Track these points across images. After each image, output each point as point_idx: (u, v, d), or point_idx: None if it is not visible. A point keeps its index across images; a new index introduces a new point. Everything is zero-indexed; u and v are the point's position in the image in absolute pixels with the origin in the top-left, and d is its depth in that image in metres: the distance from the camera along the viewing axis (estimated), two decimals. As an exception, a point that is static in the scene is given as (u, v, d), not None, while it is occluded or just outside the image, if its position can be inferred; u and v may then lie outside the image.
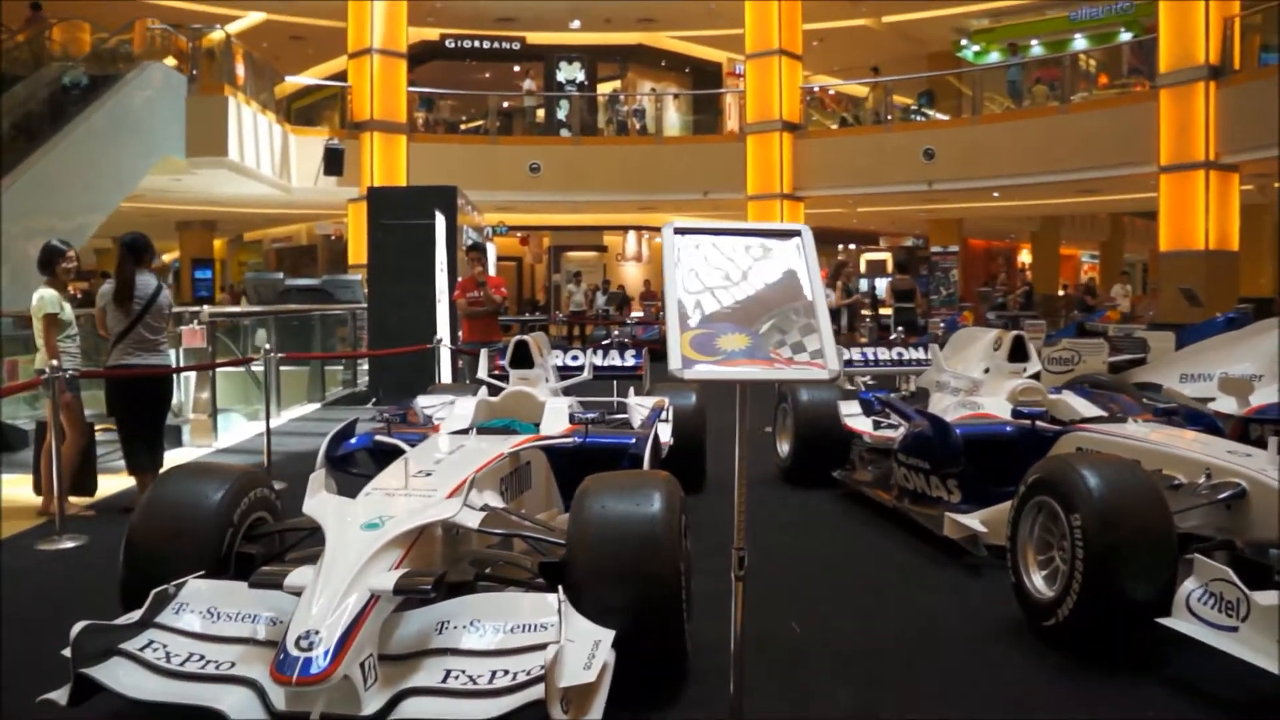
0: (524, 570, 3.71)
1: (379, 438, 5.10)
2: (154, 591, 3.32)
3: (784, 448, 7.42)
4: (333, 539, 3.29)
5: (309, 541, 3.86)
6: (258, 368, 10.20)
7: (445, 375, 11.51)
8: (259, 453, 8.03)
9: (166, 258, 33.39)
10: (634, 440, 5.23)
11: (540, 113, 25.85)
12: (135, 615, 3.28)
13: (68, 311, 6.35)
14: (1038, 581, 3.98)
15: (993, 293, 20.85)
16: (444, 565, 3.65)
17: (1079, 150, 17.99)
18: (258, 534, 3.83)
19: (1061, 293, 26.36)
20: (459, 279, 11.34)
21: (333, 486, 4.97)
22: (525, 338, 6.26)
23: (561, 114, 25.40)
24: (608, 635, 3.12)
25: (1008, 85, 20.92)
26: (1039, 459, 5.08)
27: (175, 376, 9.96)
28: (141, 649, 3.15)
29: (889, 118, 22.18)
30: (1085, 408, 5.79)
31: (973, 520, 5.00)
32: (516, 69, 27.82)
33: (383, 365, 12.71)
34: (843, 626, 4.30)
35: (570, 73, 26.85)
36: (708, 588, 4.30)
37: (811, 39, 24.04)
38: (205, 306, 10.35)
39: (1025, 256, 33.06)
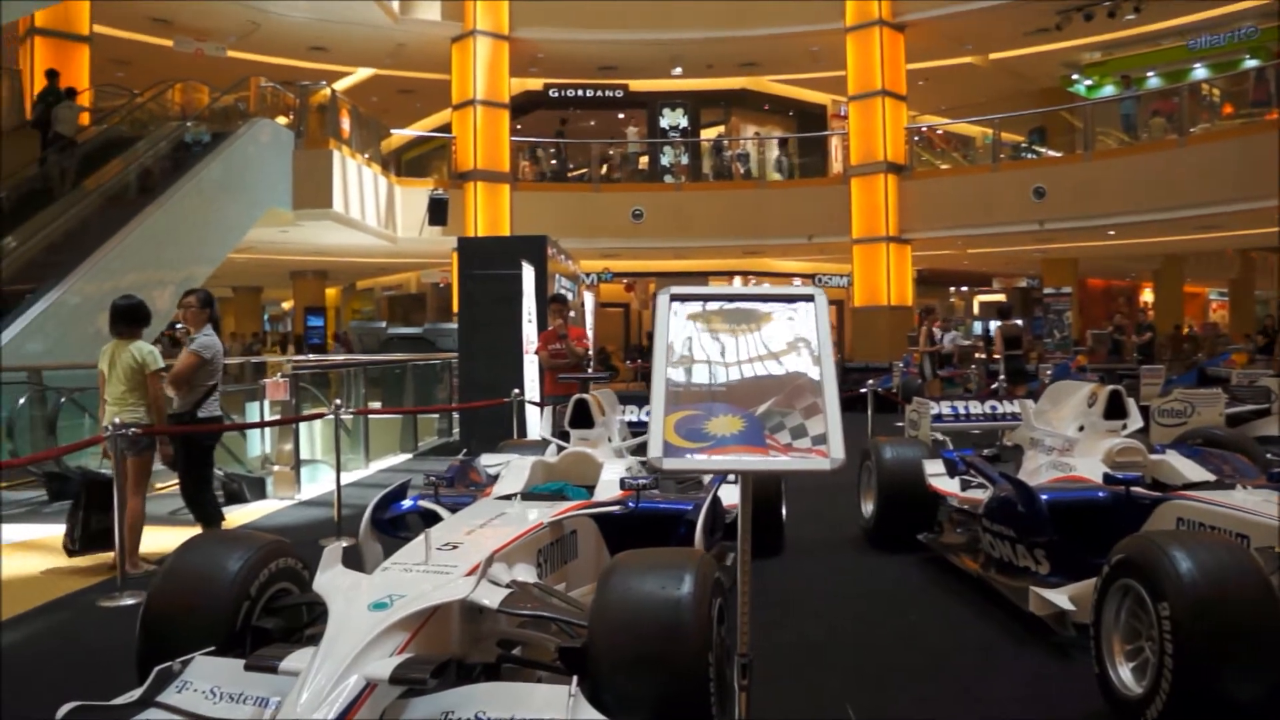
0: (550, 653, 3.45)
1: (422, 503, 4.92)
2: (157, 669, 3.17)
3: (868, 508, 7.02)
4: (335, 619, 3.09)
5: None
6: (347, 415, 10.20)
7: (533, 428, 11.34)
8: (345, 504, 7.97)
9: (286, 305, 34.44)
10: (690, 506, 4.94)
11: (644, 159, 25.89)
12: (136, 693, 3.13)
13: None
14: (1125, 675, 3.54)
15: (1109, 335, 19.89)
16: (464, 645, 3.43)
17: (1199, 184, 17.13)
18: (279, 607, 3.66)
19: (1186, 331, 25.11)
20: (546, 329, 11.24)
21: (377, 552, 4.85)
22: (585, 396, 6.03)
23: (665, 160, 25.40)
24: (621, 733, 2.85)
25: (1122, 119, 20.12)
26: (1136, 529, 4.67)
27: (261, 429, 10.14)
28: (137, 732, 3.00)
29: (999, 156, 21.55)
30: (1191, 470, 5.30)
31: (1060, 596, 4.56)
32: (620, 116, 27.97)
33: (474, 416, 12.66)
34: (906, 716, 3.92)
35: (673, 119, 26.91)
36: (763, 669, 3.99)
37: (917, 78, 23.61)
38: (286, 360, 10.42)
39: (1148, 295, 31.67)
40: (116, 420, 5.75)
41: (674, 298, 2.44)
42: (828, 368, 2.29)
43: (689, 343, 2.36)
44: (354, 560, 4.50)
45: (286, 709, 2.75)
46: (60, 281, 12.70)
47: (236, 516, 8.26)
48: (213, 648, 3.32)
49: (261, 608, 3.58)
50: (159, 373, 6.25)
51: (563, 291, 13.59)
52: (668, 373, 2.28)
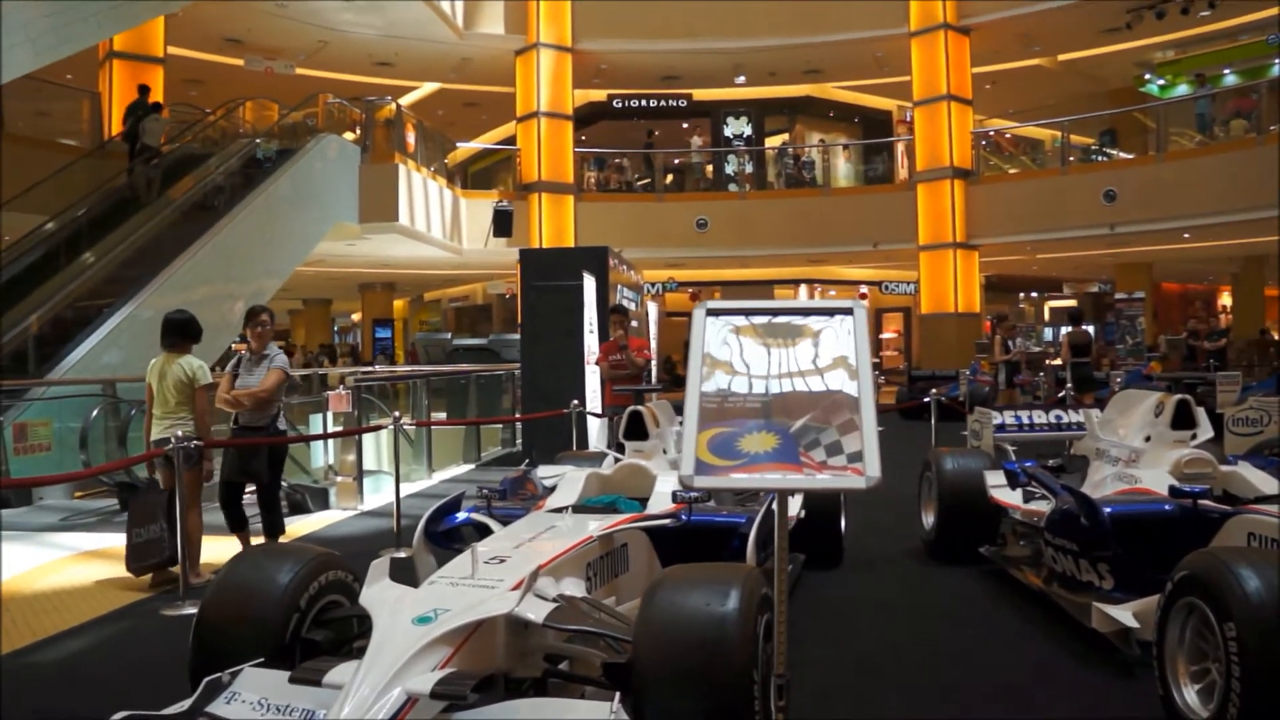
0: (596, 668, 3.43)
1: (474, 516, 4.93)
2: (206, 680, 3.21)
3: (928, 519, 6.90)
4: (379, 633, 3.11)
5: (378, 630, 3.69)
6: (407, 426, 10.29)
7: (594, 439, 11.36)
8: (405, 515, 8.04)
9: (355, 317, 34.97)
10: (744, 519, 4.89)
11: (708, 168, 25.85)
12: (186, 704, 3.17)
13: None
14: (1190, 697, 3.40)
15: (1183, 341, 19.35)
16: (509, 659, 3.42)
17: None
18: (328, 619, 3.68)
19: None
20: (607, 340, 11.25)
21: (431, 565, 4.87)
22: (640, 408, 6.01)
23: (729, 169, 25.34)
24: (664, 753, 2.82)
25: (1196, 119, 19.61)
26: (1204, 544, 4.52)
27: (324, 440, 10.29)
28: (185, 743, 3.03)
29: (1069, 159, 21.15)
30: (1264, 482, 5.11)
31: (1124, 613, 4.42)
32: (684, 126, 27.96)
33: (536, 427, 12.71)
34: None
35: (737, 127, 26.81)
36: (815, 682, 3.94)
37: (983, 82, 23.28)
38: (346, 373, 10.55)
39: (1226, 299, 30.80)
40: (179, 434, 5.85)
41: (710, 312, 2.41)
42: (865, 383, 2.24)
43: (724, 358, 2.33)
44: (407, 572, 4.54)
45: (329, 722, 2.76)
46: (134, 295, 13.03)
47: (299, 527, 8.38)
48: (262, 659, 3.36)
49: (311, 620, 3.61)
50: (206, 388, 6.35)
51: (624, 302, 13.59)
52: (702, 388, 2.24)
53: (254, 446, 6.53)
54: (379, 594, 3.40)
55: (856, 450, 2.15)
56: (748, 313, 2.41)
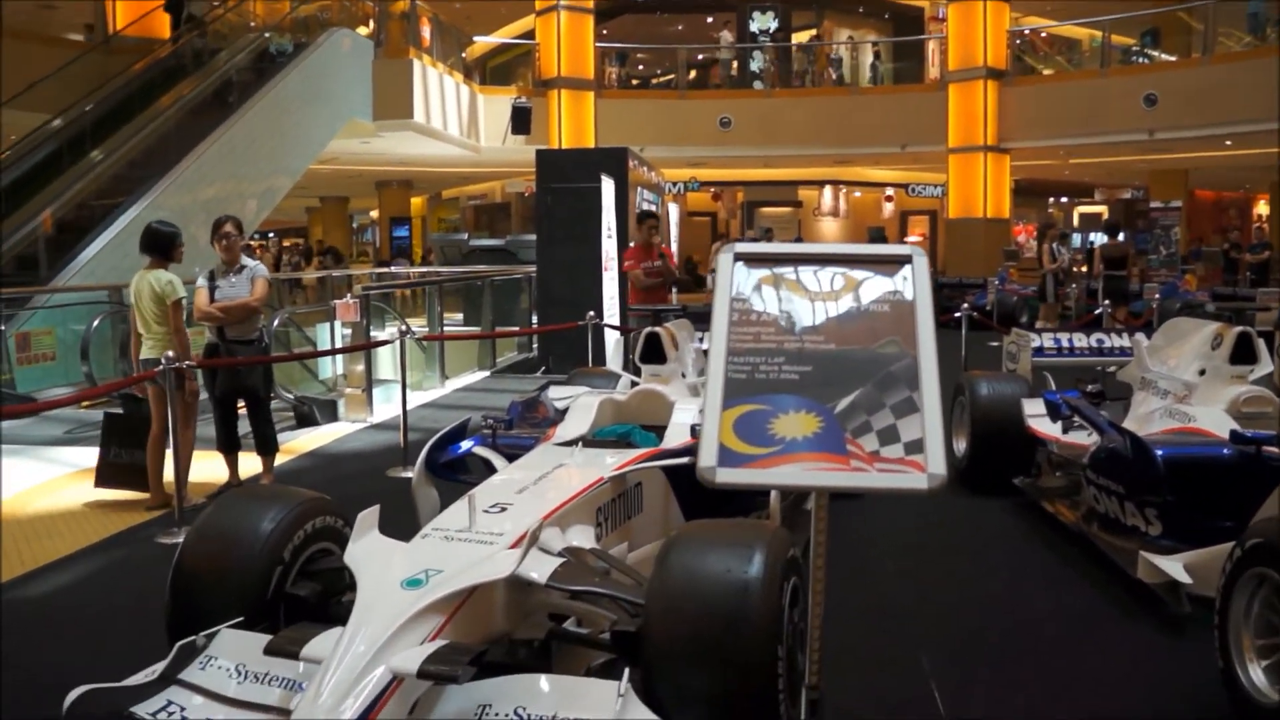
0: (604, 627, 3.15)
1: (477, 449, 4.62)
2: (178, 644, 2.95)
3: (960, 446, 6.57)
4: (363, 600, 2.82)
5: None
6: (416, 336, 9.98)
7: (610, 352, 10.98)
8: (415, 428, 7.79)
9: (374, 214, 34.49)
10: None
11: (734, 65, 25.01)
12: (157, 669, 2.92)
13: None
14: (1257, 677, 3.09)
15: (1222, 253, 18.71)
16: (511, 620, 3.14)
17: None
18: (316, 570, 3.40)
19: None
20: (630, 245, 10.87)
21: (433, 499, 4.58)
22: (657, 329, 5.64)
23: (754, 66, 24.50)
24: (676, 738, 2.54)
25: (1248, 19, 18.65)
26: (1264, 494, 4.18)
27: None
28: (154, 713, 2.78)
29: (1108, 60, 20.27)
30: (1329, 424, 4.74)
31: (1174, 565, 4.10)
32: (709, 20, 27.01)
33: (552, 336, 12.39)
34: (988, 698, 3.54)
35: (764, 22, 25.86)
36: (839, 634, 3.65)
37: (1021, -24, 22.27)
38: (355, 281, 10.23)
39: (1263, 208, 29.91)
40: (169, 355, 5.54)
41: (739, 257, 2.02)
42: (928, 351, 1.84)
43: (756, 313, 1.95)
44: (405, 515, 4.26)
45: (305, 706, 2.49)
46: (141, 196, 12.66)
47: (304, 441, 8.12)
48: (241, 619, 3.09)
49: (297, 572, 3.33)
50: (179, 302, 6.01)
51: (644, 205, 13.15)
52: (729, 353, 1.87)
53: (245, 363, 6.23)
54: (366, 551, 3.11)
55: (916, 439, 1.78)
56: (785, 260, 2.02)
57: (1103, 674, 3.75)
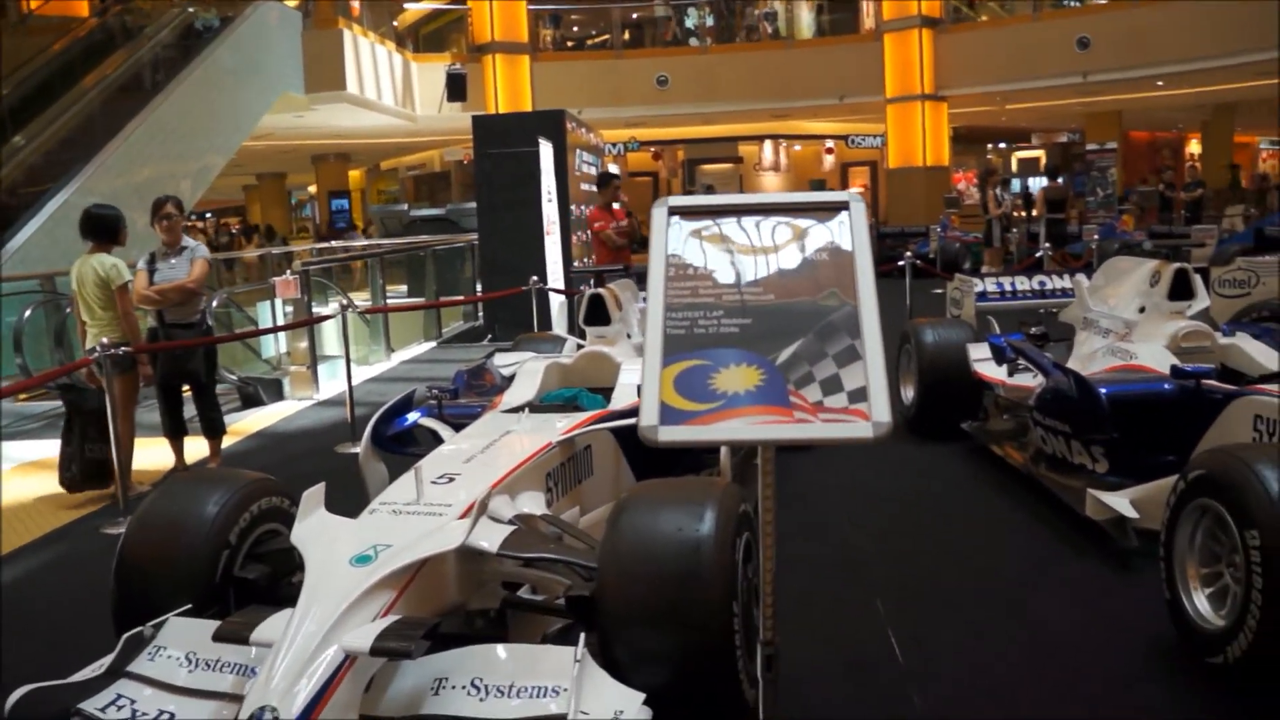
0: (559, 593, 3.13)
1: (424, 420, 4.56)
2: (125, 635, 2.89)
3: (908, 393, 6.63)
4: (311, 580, 2.77)
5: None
6: (357, 311, 9.83)
7: (555, 316, 10.92)
8: (362, 403, 7.69)
9: (311, 189, 33.93)
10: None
11: (669, 23, 24.83)
12: (105, 663, 2.86)
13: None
14: (1201, 605, 3.14)
15: (1157, 192, 18.96)
16: (464, 590, 3.12)
17: (1260, 29, 16.01)
18: (264, 553, 3.35)
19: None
20: (590, 208, 10.88)
21: (381, 473, 4.52)
22: (600, 290, 5.60)
23: (689, 23, 24.35)
24: (634, 700, 2.53)
25: (1176, -40, 18.80)
26: (1204, 427, 4.25)
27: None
28: (104, 708, 2.72)
29: (1041, 5, 20.39)
30: (1265, 356, 4.82)
31: (1120, 501, 4.17)
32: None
33: (496, 303, 12.29)
34: (944, 643, 3.58)
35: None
36: (796, 586, 3.66)
37: (953, -78, 22.28)
38: (296, 257, 10.06)
39: (1195, 147, 30.34)
40: (104, 341, 5.41)
41: (673, 210, 1.99)
42: (868, 298, 1.82)
43: (692, 266, 1.92)
44: (351, 494, 4.21)
45: (257, 690, 2.44)
46: (69, 182, 12.32)
47: (251, 422, 8.01)
48: (189, 605, 3.03)
49: (245, 555, 3.28)
50: (125, 286, 5.86)
51: (584, 167, 13.09)
52: (666, 309, 1.84)
53: (190, 346, 6.10)
54: (313, 529, 3.05)
55: (859, 387, 1.76)
56: (721, 211, 1.99)
57: (1055, 611, 3.80)
